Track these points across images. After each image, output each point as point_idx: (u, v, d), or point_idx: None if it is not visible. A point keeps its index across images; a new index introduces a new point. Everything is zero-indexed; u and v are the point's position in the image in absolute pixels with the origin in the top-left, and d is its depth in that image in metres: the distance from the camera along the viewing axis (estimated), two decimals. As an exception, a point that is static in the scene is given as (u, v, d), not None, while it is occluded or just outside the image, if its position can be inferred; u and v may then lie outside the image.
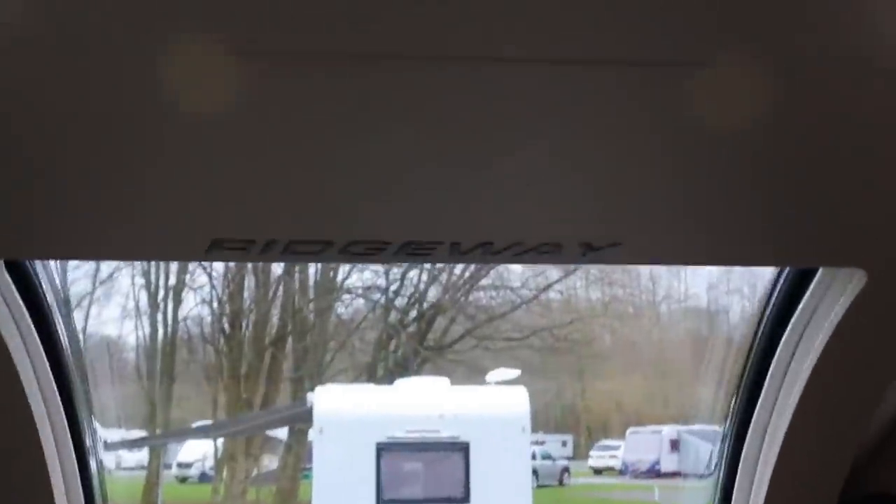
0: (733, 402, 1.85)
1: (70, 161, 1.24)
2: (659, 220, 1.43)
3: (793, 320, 1.66)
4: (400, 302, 9.31)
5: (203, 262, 9.05)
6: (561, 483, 10.88)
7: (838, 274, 1.56)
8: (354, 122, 1.21)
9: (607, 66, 1.15)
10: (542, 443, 10.30)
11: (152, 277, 9.16)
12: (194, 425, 9.68)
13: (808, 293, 1.62)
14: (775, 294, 1.73)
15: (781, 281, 1.70)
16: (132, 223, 1.37)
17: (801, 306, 1.64)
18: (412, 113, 1.20)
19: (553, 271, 9.47)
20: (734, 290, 11.35)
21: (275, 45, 1.09)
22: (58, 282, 1.72)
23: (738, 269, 11.63)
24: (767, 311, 1.74)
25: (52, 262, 1.67)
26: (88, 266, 8.66)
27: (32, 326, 1.59)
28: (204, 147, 1.23)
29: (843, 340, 1.56)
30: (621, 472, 11.20)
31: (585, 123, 1.24)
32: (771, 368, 1.69)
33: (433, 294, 9.36)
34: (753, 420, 1.75)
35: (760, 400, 1.74)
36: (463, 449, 7.26)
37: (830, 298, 1.58)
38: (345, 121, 1.20)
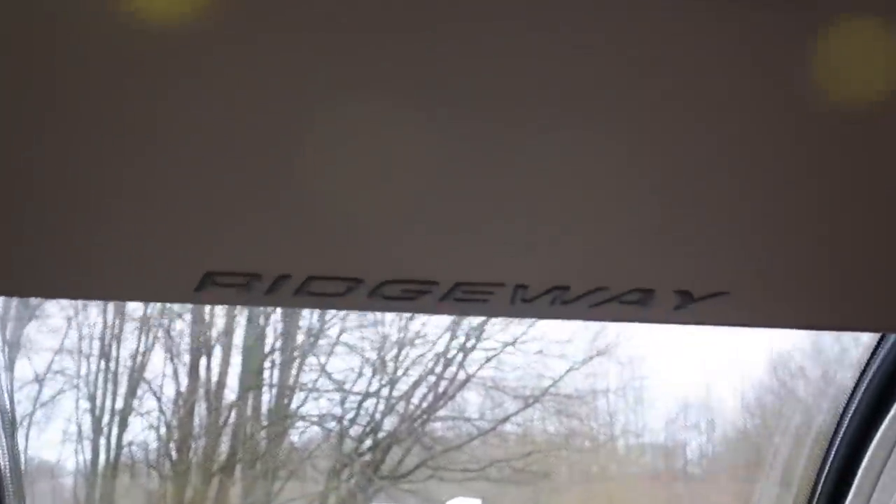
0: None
1: (25, 177, 0.94)
2: (773, 269, 1.11)
3: None
4: (355, 431, 9.11)
5: (154, 386, 8.79)
6: None
7: None
8: (395, 126, 0.88)
9: (710, 84, 0.85)
10: (496, 580, 9.96)
11: (98, 401, 8.90)
12: (132, 557, 9.23)
13: None
14: (873, 369, 1.52)
15: (885, 352, 1.49)
16: (103, 252, 1.04)
17: None
18: (473, 120, 0.87)
19: (511, 404, 9.35)
20: (691, 426, 11.32)
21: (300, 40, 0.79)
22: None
23: (695, 404, 11.59)
24: (860, 391, 1.52)
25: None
26: (30, 388, 8.41)
27: None
28: (194, 148, 0.90)
29: None
30: None
31: (692, 147, 0.92)
32: (865, 461, 1.46)
33: (389, 424, 9.18)
34: None
35: (850, 499, 1.48)
36: (418, 585, 6.97)
37: None
38: (383, 124, 0.88)
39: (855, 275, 1.12)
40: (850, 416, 1.55)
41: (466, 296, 1.12)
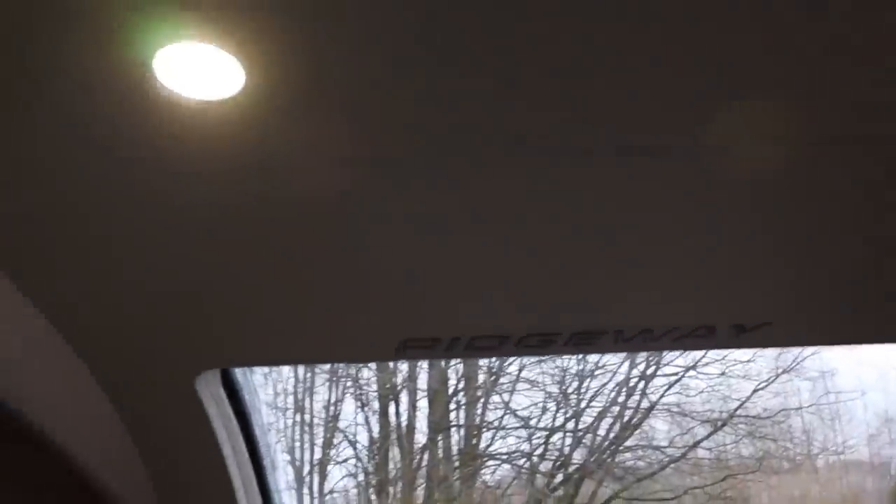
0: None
1: (271, 276, 1.33)
2: (808, 299, 1.42)
3: None
4: (545, 466, 9.14)
5: (351, 434, 9.14)
6: None
7: None
8: (527, 222, 1.25)
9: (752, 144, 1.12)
10: None
11: (297, 454, 9.29)
12: None
13: None
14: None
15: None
16: (329, 328, 1.45)
17: None
18: (575, 207, 1.22)
19: (699, 429, 9.17)
20: (896, 441, 10.71)
21: (468, 141, 1.11)
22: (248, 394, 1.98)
23: (896, 416, 10.94)
24: None
25: (246, 377, 1.90)
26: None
27: (237, 426, 1.77)
28: (394, 251, 1.29)
29: None
30: None
31: (735, 209, 1.23)
32: None
33: (578, 457, 9.16)
34: None
35: None
36: None
37: None
38: (520, 221, 1.24)
39: (877, 292, 1.39)
40: None
41: (581, 340, 1.52)
